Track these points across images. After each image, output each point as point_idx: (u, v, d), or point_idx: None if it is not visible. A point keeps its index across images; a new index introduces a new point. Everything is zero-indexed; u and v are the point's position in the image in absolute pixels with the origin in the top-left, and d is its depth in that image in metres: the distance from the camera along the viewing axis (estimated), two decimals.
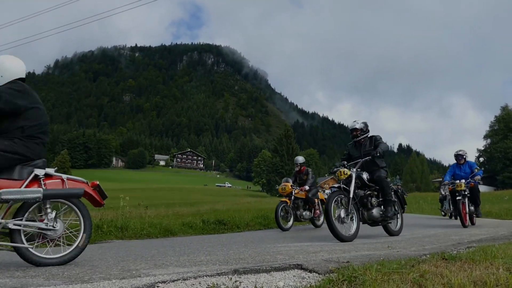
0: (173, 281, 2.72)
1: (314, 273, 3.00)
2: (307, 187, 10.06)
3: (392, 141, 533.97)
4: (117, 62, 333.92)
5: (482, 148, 71.28)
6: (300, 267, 3.23)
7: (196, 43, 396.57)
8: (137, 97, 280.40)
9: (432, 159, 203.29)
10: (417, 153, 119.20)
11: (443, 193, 16.34)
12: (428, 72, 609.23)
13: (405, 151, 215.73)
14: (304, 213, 9.92)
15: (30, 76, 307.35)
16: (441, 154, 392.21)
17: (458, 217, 9.90)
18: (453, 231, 8.13)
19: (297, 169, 10.57)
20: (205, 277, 2.86)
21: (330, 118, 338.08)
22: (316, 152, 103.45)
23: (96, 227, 8.01)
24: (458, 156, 10.42)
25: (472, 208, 9.84)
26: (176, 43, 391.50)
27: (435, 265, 3.03)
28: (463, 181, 9.64)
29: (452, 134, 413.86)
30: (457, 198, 9.57)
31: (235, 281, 2.76)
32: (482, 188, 20.62)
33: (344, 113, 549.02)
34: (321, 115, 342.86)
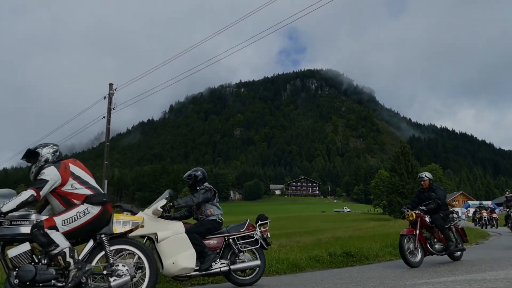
0: None
1: None
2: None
3: None
4: (225, 99, 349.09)
5: None
6: None
7: (297, 70, 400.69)
8: (247, 130, 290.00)
9: None
10: None
11: None
12: None
13: None
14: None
15: (150, 122, 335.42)
16: None
17: None
18: None
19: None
20: None
21: (450, 128, 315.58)
22: (438, 167, 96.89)
23: None
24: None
25: None
26: (278, 74, 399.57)
27: None
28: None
29: None
30: None
31: None
32: None
33: (466, 120, 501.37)
34: (438, 125, 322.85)
